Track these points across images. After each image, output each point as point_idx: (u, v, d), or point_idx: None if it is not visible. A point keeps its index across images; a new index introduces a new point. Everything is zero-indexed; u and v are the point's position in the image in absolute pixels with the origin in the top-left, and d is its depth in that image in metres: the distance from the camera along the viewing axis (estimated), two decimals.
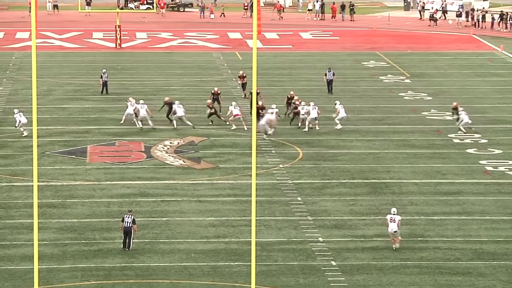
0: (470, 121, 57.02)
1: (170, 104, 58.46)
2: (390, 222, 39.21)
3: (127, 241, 38.86)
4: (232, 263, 38.21)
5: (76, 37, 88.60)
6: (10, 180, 47.73)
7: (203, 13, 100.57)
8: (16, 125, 54.71)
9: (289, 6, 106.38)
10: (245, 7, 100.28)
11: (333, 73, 65.84)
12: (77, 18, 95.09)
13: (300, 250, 39.83)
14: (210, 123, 57.94)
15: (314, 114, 56.47)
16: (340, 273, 37.52)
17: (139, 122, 57.23)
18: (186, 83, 69.94)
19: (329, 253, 39.39)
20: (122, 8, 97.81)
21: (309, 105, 57.18)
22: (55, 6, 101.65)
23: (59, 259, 38.34)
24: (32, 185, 30.26)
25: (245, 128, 56.60)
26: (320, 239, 40.74)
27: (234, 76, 72.01)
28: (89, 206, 44.56)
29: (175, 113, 57.93)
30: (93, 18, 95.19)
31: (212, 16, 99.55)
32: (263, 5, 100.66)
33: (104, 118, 59.55)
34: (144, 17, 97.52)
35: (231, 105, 57.56)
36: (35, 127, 25.38)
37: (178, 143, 54.63)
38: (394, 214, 39.33)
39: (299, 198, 45.95)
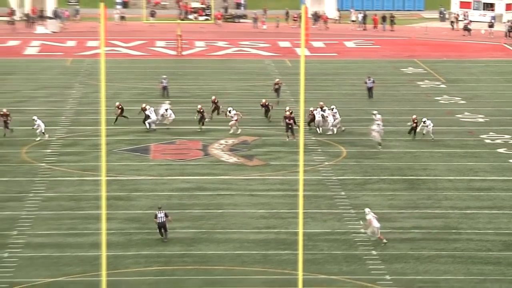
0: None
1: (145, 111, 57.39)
2: (374, 219, 38.88)
3: (163, 232, 39.10)
4: (281, 252, 38.23)
5: (141, 45, 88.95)
6: (81, 174, 48.06)
7: (256, 23, 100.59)
8: (38, 130, 54.12)
9: (332, 18, 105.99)
10: (295, 18, 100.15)
11: (373, 80, 65.54)
12: (142, 28, 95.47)
13: (343, 240, 39.78)
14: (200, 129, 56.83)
15: (318, 117, 56.13)
16: (380, 262, 37.45)
17: (150, 124, 56.75)
18: (240, 87, 70.01)
19: (370, 244, 39.29)
20: (182, 19, 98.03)
21: (325, 109, 56.71)
22: (122, 17, 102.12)
23: (124, 246, 38.56)
24: (101, 179, 30.45)
25: (238, 131, 56.08)
26: (362, 230, 40.64)
27: (284, 81, 71.92)
28: (151, 198, 44.74)
29: (148, 118, 56.69)
30: (157, 28, 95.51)
31: (264, 27, 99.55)
32: (311, 16, 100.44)
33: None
34: (203, 27, 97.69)
35: (228, 111, 56.84)
36: (103, 127, 25.54)
37: (233, 142, 54.69)
38: (370, 213, 39.13)
39: (342, 193, 45.89)
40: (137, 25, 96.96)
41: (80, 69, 76.23)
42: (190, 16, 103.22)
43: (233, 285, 35.26)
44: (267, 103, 59.17)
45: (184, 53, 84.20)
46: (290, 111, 54.99)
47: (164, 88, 65.96)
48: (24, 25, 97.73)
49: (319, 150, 53.16)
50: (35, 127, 54.03)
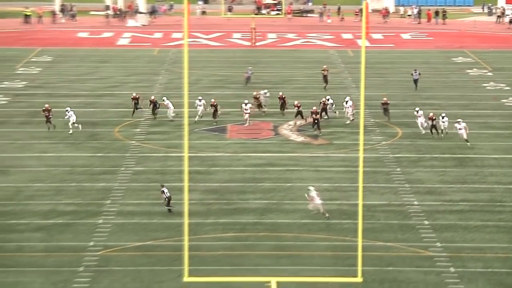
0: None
1: (154, 103, 55.04)
2: (316, 196, 38.23)
3: (170, 206, 38.85)
4: (343, 221, 38.17)
5: (220, 37, 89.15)
6: (166, 151, 48.40)
7: (322, 17, 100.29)
8: (70, 122, 51.58)
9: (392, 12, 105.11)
10: (356, 13, 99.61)
11: (419, 73, 64.41)
12: (220, 22, 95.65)
13: (399, 211, 39.62)
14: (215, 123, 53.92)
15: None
16: (431, 231, 37.25)
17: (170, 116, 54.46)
18: (307, 74, 69.84)
19: (423, 214, 39.10)
20: (256, 14, 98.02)
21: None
22: (203, 12, 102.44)
23: (204, 215, 38.79)
24: (183, 155, 30.64)
25: (248, 123, 53.51)
26: (415, 202, 40.43)
27: (347, 69, 71.70)
28: (228, 173, 44.92)
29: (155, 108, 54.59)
30: (233, 22, 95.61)
31: (329, 21, 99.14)
32: (371, 11, 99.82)
33: (239, 103, 59.86)
34: (274, 21, 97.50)
35: (244, 103, 54.19)
36: (186, 109, 25.63)
37: (300, 123, 54.61)
38: (314, 191, 38.36)
39: (398, 169, 45.66)
40: (216, 19, 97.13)
41: (165, 58, 76.66)
42: (263, 11, 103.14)
43: (300, 250, 35.29)
44: (283, 96, 56.82)
45: (257, 44, 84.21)
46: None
47: (248, 78, 65.24)
48: (117, 19, 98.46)
49: (377, 130, 52.91)
50: (66, 117, 51.69)
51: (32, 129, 52.64)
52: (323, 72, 64.50)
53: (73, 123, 51.48)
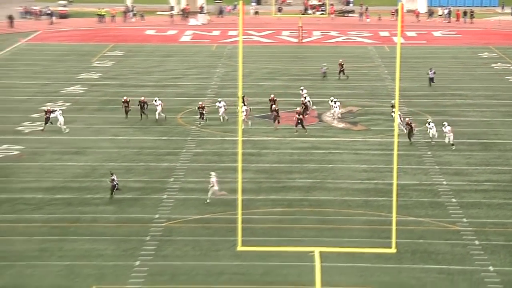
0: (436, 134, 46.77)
1: (145, 103, 51.30)
2: (216, 183, 37.15)
3: (113, 191, 37.76)
4: (379, 198, 38.01)
5: (270, 34, 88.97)
6: (223, 135, 48.47)
7: (361, 17, 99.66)
8: (58, 123, 48.46)
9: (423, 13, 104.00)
10: (392, 13, 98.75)
11: (434, 71, 62.49)
12: (271, 21, 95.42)
13: (429, 190, 39.34)
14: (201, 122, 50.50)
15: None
16: (458, 207, 36.97)
17: (158, 115, 51.12)
18: (347, 68, 69.37)
19: (451, 193, 38.79)
20: (303, 14, 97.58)
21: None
22: (256, 12, 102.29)
23: (255, 192, 38.84)
24: (238, 139, 30.72)
25: (249, 125, 49.52)
26: (444, 182, 40.11)
27: (383, 63, 71.18)
28: (277, 155, 44.90)
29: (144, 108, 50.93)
30: (283, 21, 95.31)
31: (368, 20, 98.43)
32: (406, 11, 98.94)
33: (287, 93, 59.85)
34: (319, 20, 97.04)
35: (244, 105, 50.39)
36: (240, 98, 25.68)
37: (341, 111, 54.34)
38: (214, 177, 37.38)
39: (429, 153, 45.31)
40: (267, 18, 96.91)
41: (222, 53, 76.72)
42: (309, 11, 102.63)
43: (340, 223, 35.21)
44: (275, 98, 52.50)
45: (304, 40, 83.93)
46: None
47: (324, 73, 63.67)
48: (180, 18, 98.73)
49: (410, 118, 52.47)
50: (54, 115, 48.45)
51: (105, 115, 53.04)
52: (339, 65, 63.97)
53: (61, 122, 48.44)
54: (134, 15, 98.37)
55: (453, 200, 38.01)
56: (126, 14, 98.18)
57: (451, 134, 45.79)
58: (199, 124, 49.77)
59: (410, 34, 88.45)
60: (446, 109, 54.25)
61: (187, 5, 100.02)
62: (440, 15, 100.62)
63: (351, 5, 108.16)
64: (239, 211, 25.25)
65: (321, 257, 25.32)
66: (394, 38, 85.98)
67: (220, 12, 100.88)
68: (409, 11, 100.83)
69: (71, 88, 61.32)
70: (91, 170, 42.09)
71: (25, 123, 51.02)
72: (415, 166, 42.97)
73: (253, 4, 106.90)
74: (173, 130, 49.45)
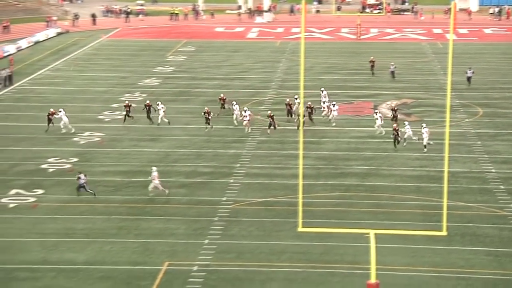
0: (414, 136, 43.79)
1: (149, 106, 48.07)
2: (156, 177, 35.78)
3: (81, 191, 35.63)
4: (430, 185, 37.59)
5: (330, 31, 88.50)
6: (285, 125, 48.28)
7: (416, 15, 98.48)
8: (62, 123, 46.09)
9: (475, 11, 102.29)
10: (445, 11, 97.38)
11: (473, 71, 59.90)
12: (331, 19, 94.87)
13: (478, 177, 38.76)
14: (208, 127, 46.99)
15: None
16: (506, 194, 36.39)
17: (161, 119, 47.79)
18: (402, 63, 68.74)
19: (499, 180, 38.18)
20: (361, 12, 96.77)
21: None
22: (317, 11, 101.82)
23: (315, 177, 38.73)
24: (331, 120, 30.63)
25: (248, 130, 46.15)
26: (493, 170, 39.49)
27: (436, 58, 70.28)
28: (335, 143, 44.68)
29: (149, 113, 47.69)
30: (342, 19, 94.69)
31: (422, 18, 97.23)
32: (458, 10, 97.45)
33: (346, 86, 59.51)
34: (376, 19, 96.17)
35: (244, 110, 47.18)
36: (301, 91, 25.55)
37: (396, 103, 53.85)
38: (155, 172, 35.99)
39: (478, 142, 44.63)
40: (328, 16, 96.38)
41: (286, 49, 76.57)
42: (367, 10, 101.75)
43: (394, 208, 34.91)
44: (290, 103, 48.87)
45: (362, 37, 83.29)
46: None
47: (392, 72, 61.47)
48: (247, 16, 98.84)
49: (461, 110, 51.78)
50: (58, 116, 46.13)
51: (178, 105, 53.38)
52: (370, 62, 63.00)
53: (63, 125, 46.11)
54: (197, 13, 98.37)
55: (501, 187, 37.37)
56: (198, 13, 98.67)
57: (427, 135, 42.93)
58: (206, 129, 46.38)
59: (462, 31, 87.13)
60: (495, 102, 53.34)
61: (260, 4, 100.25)
62: (491, 13, 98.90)
63: (406, 4, 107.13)
64: (300, 195, 25.20)
65: (375, 239, 25.14)
66: (446, 35, 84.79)
67: (291, 11, 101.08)
68: (461, 9, 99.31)
69: (147, 80, 61.88)
70: (165, 156, 42.44)
71: (106, 112, 51.66)
72: (465, 155, 42.35)
73: (315, 3, 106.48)
74: (240, 120, 49.54)
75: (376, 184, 37.87)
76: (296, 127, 45.94)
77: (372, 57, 63.91)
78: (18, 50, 74.61)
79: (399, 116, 48.02)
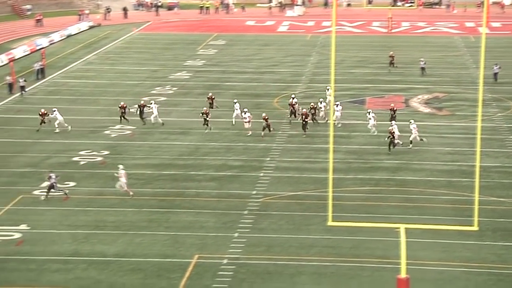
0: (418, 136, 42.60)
1: (143, 107, 47.03)
2: (123, 175, 35.18)
3: (51, 191, 34.86)
4: (462, 179, 37.32)
5: (361, 25, 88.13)
6: (316, 119, 48.17)
7: (448, 9, 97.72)
8: (57, 122, 45.23)
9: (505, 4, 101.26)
10: (478, 5, 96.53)
11: (500, 67, 58.44)
12: (362, 12, 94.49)
13: (510, 172, 38.48)
14: (207, 129, 45.44)
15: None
16: None
17: (153, 119, 46.86)
18: (434, 56, 68.31)
19: None
20: (393, 6, 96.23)
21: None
22: (348, 4, 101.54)
23: (345, 171, 38.62)
24: (329, 122, 30.53)
25: (249, 133, 44.49)
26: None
27: (468, 52, 69.70)
28: (365, 137, 44.51)
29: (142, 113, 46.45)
30: (373, 12, 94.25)
31: (454, 11, 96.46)
32: (491, 3, 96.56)
33: (377, 80, 59.28)
34: (408, 12, 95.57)
35: (243, 111, 45.76)
36: (332, 84, 25.45)
37: (428, 97, 53.57)
38: (122, 170, 35.42)
39: (511, 137, 44.23)
40: (359, 10, 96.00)
41: (316, 42, 76.39)
42: (399, 3, 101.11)
43: (425, 202, 34.72)
44: (293, 103, 47.35)
45: (393, 31, 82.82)
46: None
47: (423, 68, 60.34)
48: (278, 10, 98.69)
49: (493, 104, 51.35)
50: (53, 116, 45.24)
51: None
52: (390, 57, 62.35)
53: (57, 124, 45.17)
54: (228, 7, 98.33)
55: None
56: (229, 6, 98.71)
57: (416, 132, 42.34)
58: (206, 131, 45.15)
59: (494, 24, 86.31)
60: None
61: None
62: None
63: None
64: (330, 189, 25.14)
65: (406, 233, 25.02)
66: (479, 28, 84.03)
67: (326, 4, 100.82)
68: (494, 3, 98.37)
69: (178, 74, 62.06)
70: (195, 149, 42.56)
71: (136, 106, 51.84)
72: (497, 150, 41.97)
73: None
74: (270, 113, 49.47)
75: (406, 179, 37.68)
76: (302, 130, 44.62)
77: (391, 52, 63.40)
78: (51, 44, 75.20)
79: (403, 117, 46.55)
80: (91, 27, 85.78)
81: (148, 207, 34.24)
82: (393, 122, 43.52)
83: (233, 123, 46.54)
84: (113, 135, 45.14)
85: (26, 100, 53.80)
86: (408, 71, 61.64)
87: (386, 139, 42.09)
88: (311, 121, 45.76)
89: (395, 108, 46.44)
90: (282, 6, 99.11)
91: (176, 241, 30.66)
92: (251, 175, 38.29)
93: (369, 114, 45.42)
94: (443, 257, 29.24)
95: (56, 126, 45.32)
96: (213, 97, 49.93)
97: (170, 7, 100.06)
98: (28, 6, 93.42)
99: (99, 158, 40.95)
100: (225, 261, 28.87)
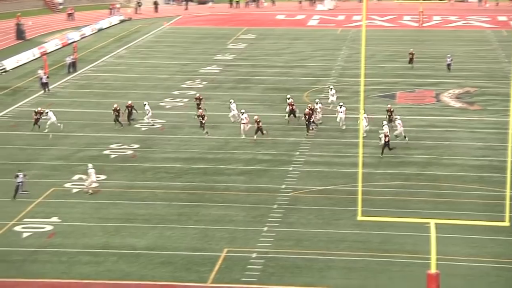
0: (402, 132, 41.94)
1: (131, 108, 45.52)
2: (92, 173, 34.92)
3: (18, 192, 34.12)
4: (493, 175, 37.04)
5: (392, 19, 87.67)
6: (345, 113, 47.90)
7: (480, 2, 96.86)
8: (49, 122, 43.86)
9: None
10: None
11: None
12: (393, 6, 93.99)
13: None
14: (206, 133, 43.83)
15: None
16: None
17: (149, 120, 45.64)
18: (465, 51, 67.81)
19: None
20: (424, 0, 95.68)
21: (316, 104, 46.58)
22: None
23: (375, 166, 38.49)
24: (359, 116, 30.41)
25: (243, 136, 42.77)
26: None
27: (500, 46, 69.07)
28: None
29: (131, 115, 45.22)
30: (404, 6, 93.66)
31: (487, 5, 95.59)
32: None
33: (407, 74, 58.96)
34: (438, 6, 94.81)
35: (241, 112, 44.30)
36: (362, 79, 25.37)
37: (459, 91, 53.20)
38: (91, 169, 35.08)
39: None
40: (390, 4, 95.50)
41: (346, 36, 76.13)
42: None
43: (455, 197, 34.50)
44: (293, 103, 46.03)
45: (424, 25, 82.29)
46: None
47: (449, 65, 59.26)
48: (308, 4, 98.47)
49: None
50: (48, 116, 43.93)
51: (238, 93, 53.52)
52: (409, 54, 61.47)
53: (51, 123, 43.86)
54: (258, 1, 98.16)
55: None
56: (259, 1, 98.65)
57: (402, 127, 41.83)
58: (206, 134, 43.48)
59: None
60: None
61: None
62: None
63: None
64: (359, 184, 25.07)
65: (436, 228, 24.88)
66: (511, 22, 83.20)
67: None
68: None
69: (208, 68, 62.17)
70: (225, 143, 42.62)
71: (167, 99, 52.09)
72: None
73: None
74: (300, 107, 49.41)
75: (437, 174, 37.46)
76: (306, 132, 43.64)
77: (411, 50, 62.61)
78: (82, 37, 75.71)
79: (392, 116, 44.24)
80: (122, 21, 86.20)
81: (178, 200, 34.38)
82: (384, 122, 42.23)
83: (233, 121, 45.33)
84: (143, 129, 45.36)
85: (58, 93, 54.22)
86: (439, 66, 61.23)
87: (379, 143, 40.28)
88: (307, 123, 43.81)
89: (392, 109, 44.80)
90: (312, 0, 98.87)
91: (206, 235, 30.76)
92: (281, 169, 38.28)
93: (340, 107, 44.21)
94: (473, 252, 29.05)
95: (47, 127, 43.73)
96: (201, 97, 47.94)
97: (203, 1, 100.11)
98: (60, 0, 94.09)
99: (130, 152, 41.18)
100: (254, 255, 28.92)
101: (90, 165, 35.73)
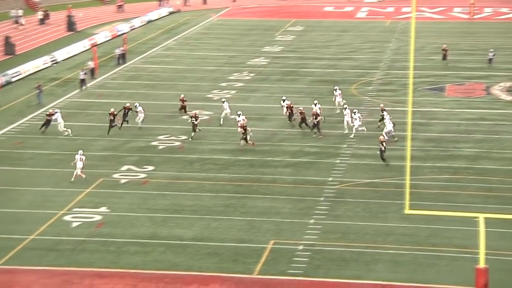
0: (392, 130, 40.51)
1: (128, 109, 44.09)
2: (80, 161, 34.79)
3: None
4: None
5: (442, 11, 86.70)
6: (393, 106, 47.53)
7: None
8: (60, 127, 42.69)
9: None
10: None
11: None
12: None
13: None
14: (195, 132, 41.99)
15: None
16: None
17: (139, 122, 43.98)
18: None
19: None
20: None
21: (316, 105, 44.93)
22: None
23: (423, 159, 38.18)
24: (408, 109, 30.16)
25: (241, 144, 40.40)
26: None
27: None
28: (445, 125, 43.88)
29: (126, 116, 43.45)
30: None
31: None
32: None
33: (457, 67, 58.29)
34: (473, 3, 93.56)
35: (237, 114, 42.37)
36: (411, 71, 25.17)
37: (509, 85, 52.50)
38: (81, 155, 34.85)
39: None
40: None
41: (396, 28, 75.51)
42: None
43: (505, 191, 34.04)
44: (292, 106, 44.18)
45: (475, 17, 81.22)
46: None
47: (490, 60, 58.33)
48: None
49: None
50: (57, 121, 42.58)
51: (285, 85, 53.47)
52: (443, 51, 60.18)
53: (60, 127, 42.67)
54: None
55: None
56: None
57: (360, 121, 41.10)
58: (190, 139, 41.50)
59: None
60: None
61: None
62: None
63: None
64: (407, 177, 24.89)
65: (485, 223, 24.60)
66: None
67: None
68: None
69: (256, 60, 62.20)
70: (272, 135, 42.63)
71: (214, 91, 52.25)
72: None
73: None
74: (348, 99, 49.19)
75: (486, 167, 37.01)
76: (316, 129, 42.13)
77: (445, 45, 61.52)
78: (132, 29, 76.31)
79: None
80: (171, 13, 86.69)
81: (224, 192, 34.50)
82: (385, 112, 41.47)
83: (221, 122, 43.96)
84: (190, 120, 45.46)
85: (107, 85, 54.76)
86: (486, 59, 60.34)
87: (378, 152, 37.73)
88: (303, 124, 42.55)
89: (384, 108, 43.33)
90: None
91: (252, 227, 30.83)
92: (327, 161, 38.18)
93: (354, 114, 41.88)
94: None
95: (64, 129, 42.55)
96: (185, 99, 46.22)
97: None
98: None
99: (177, 143, 41.42)
100: (300, 247, 28.91)
101: (80, 152, 35.70)
